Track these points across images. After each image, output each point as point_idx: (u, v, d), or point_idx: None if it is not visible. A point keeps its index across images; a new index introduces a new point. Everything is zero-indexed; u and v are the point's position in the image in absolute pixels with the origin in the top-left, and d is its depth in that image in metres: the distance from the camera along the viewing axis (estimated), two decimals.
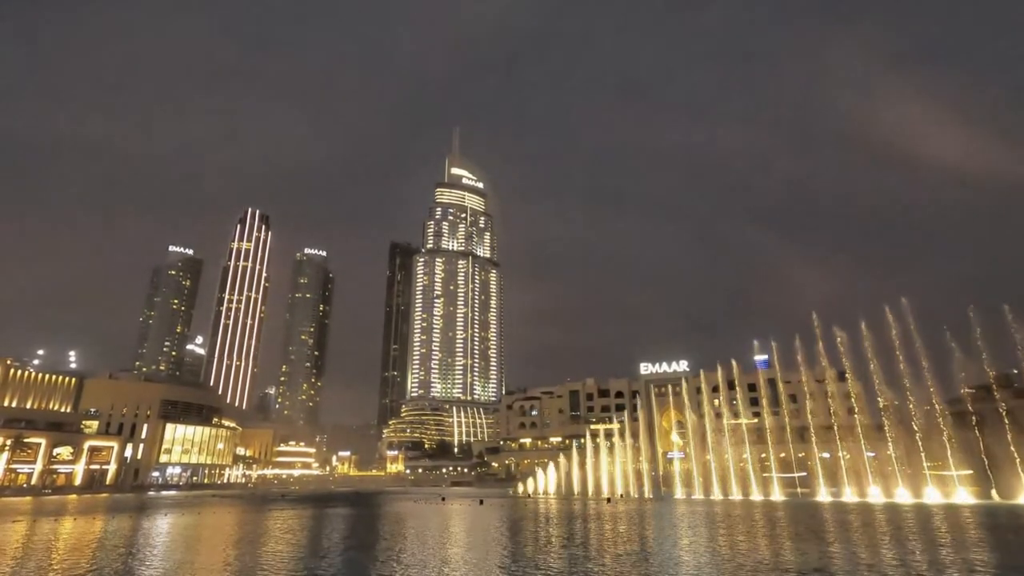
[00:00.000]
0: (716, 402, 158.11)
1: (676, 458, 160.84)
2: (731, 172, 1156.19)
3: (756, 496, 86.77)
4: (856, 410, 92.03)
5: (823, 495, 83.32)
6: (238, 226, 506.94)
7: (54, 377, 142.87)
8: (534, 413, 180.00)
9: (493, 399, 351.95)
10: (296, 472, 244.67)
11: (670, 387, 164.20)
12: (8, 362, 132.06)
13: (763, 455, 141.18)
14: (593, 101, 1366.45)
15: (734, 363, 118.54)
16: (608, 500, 77.54)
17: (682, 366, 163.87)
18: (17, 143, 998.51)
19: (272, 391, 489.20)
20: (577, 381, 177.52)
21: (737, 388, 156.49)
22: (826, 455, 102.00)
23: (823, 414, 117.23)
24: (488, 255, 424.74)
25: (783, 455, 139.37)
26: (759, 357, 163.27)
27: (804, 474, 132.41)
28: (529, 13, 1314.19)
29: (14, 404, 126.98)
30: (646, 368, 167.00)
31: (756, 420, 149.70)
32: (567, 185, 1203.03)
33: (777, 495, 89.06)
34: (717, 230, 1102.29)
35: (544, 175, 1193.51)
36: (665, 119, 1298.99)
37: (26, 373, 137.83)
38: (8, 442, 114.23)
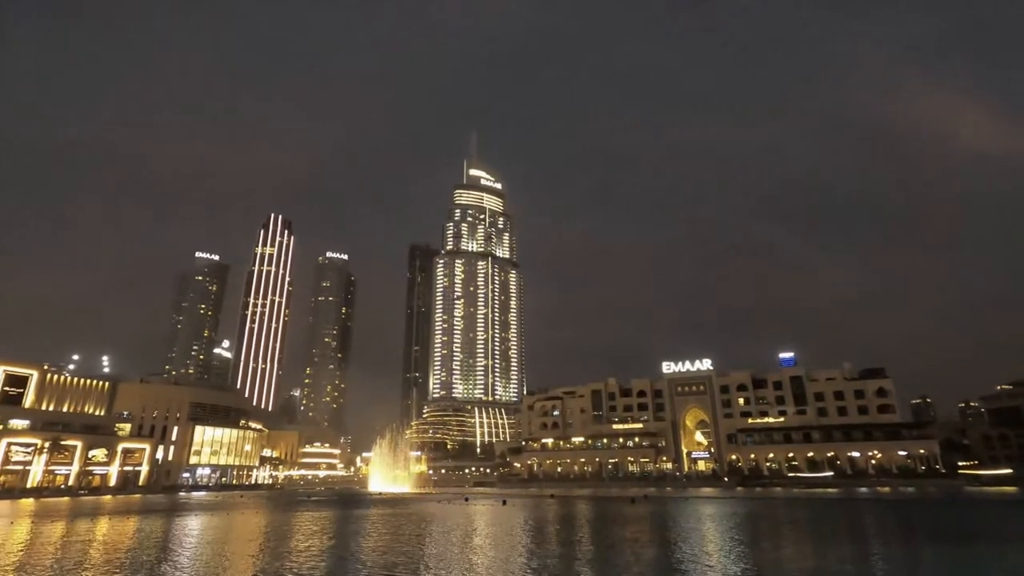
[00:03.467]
0: (741, 401, 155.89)
1: (700, 458, 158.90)
2: (752, 168, 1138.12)
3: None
4: None
5: None
6: (261, 231, 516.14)
7: (88, 381, 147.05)
8: (556, 413, 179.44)
9: (514, 399, 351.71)
10: (321, 473, 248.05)
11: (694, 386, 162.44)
12: (45, 367, 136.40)
13: (790, 454, 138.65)
14: (609, 100, 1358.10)
15: None
16: (632, 501, 76.72)
17: (706, 365, 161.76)
18: (50, 151, 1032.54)
19: (297, 393, 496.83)
20: (599, 381, 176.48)
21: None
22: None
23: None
24: (507, 256, 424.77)
25: (810, 454, 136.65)
26: (784, 355, 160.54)
27: (830, 473, 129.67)
28: (542, 15, 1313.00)
29: (51, 408, 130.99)
30: (668, 367, 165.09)
31: (783, 419, 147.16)
32: (586, 184, 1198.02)
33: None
34: (739, 227, 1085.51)
35: (563, 175, 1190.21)
36: (683, 117, 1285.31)
37: (62, 378, 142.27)
38: (46, 444, 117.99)
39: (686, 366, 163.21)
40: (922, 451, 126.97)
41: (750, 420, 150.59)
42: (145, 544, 34.18)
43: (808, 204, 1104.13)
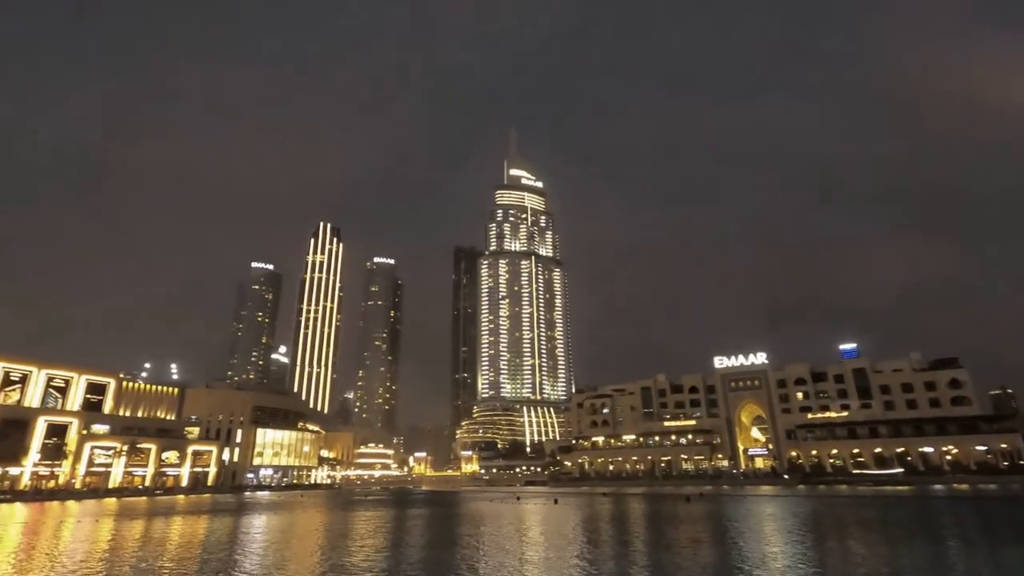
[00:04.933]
0: (800, 395, 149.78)
1: (758, 455, 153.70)
2: (797, 154, 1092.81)
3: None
4: None
5: None
6: (312, 240, 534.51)
7: (160, 388, 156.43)
8: (605, 411, 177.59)
9: (563, 398, 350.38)
10: (376, 473, 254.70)
11: (749, 381, 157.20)
12: (121, 376, 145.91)
13: (855, 450, 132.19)
14: (647, 93, 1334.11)
15: None
16: (687, 499, 75.06)
17: (760, 358, 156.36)
18: (124, 171, 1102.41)
19: (351, 395, 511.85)
20: (648, 378, 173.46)
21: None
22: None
23: None
24: (551, 254, 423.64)
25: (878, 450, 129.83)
26: (845, 346, 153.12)
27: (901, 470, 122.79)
28: (547, 15, 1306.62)
29: (127, 413, 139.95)
30: (721, 362, 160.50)
31: (847, 414, 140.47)
32: (626, 179, 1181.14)
33: None
34: (788, 215, 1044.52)
35: (603, 171, 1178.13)
36: (723, 106, 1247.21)
37: (136, 385, 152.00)
38: (125, 447, 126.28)
39: (739, 360, 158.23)
40: (1004, 445, 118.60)
41: (810, 415, 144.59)
42: (229, 540, 36.02)
43: (867, 188, 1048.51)
